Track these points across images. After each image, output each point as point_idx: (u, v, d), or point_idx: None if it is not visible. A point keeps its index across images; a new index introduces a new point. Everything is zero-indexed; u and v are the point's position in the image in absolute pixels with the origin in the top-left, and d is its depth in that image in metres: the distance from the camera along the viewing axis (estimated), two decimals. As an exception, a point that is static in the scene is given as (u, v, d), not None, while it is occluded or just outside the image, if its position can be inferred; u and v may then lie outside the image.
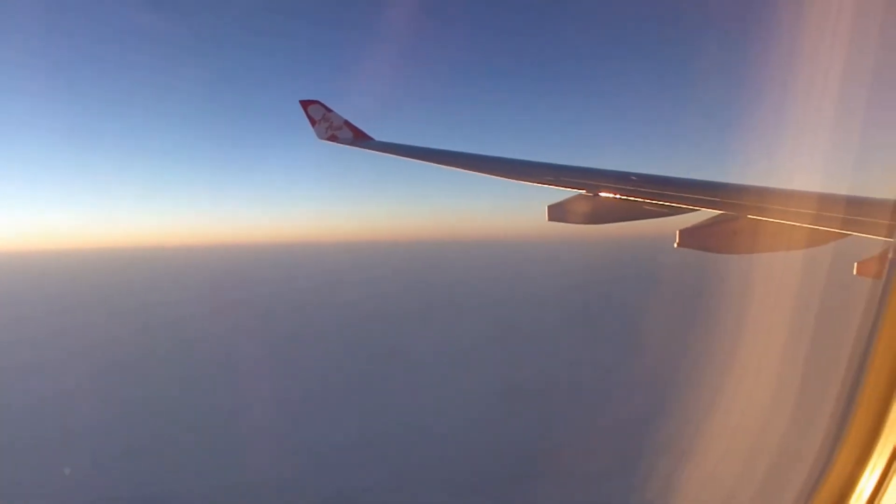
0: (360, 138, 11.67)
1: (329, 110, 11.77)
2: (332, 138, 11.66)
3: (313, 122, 11.70)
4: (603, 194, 6.91)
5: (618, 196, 6.76)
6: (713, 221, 5.88)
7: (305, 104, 11.81)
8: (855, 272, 4.67)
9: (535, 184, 7.73)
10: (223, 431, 46.22)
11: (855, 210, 5.30)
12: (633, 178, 7.86)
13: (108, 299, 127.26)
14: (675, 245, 5.66)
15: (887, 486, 2.00)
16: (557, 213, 6.94)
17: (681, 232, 5.71)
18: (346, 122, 11.80)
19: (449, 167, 9.41)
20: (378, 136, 11.93)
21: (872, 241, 4.64)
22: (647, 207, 6.46)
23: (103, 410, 51.57)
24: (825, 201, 5.70)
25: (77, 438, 45.33)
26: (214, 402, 52.38)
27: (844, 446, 2.12)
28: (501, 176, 8.45)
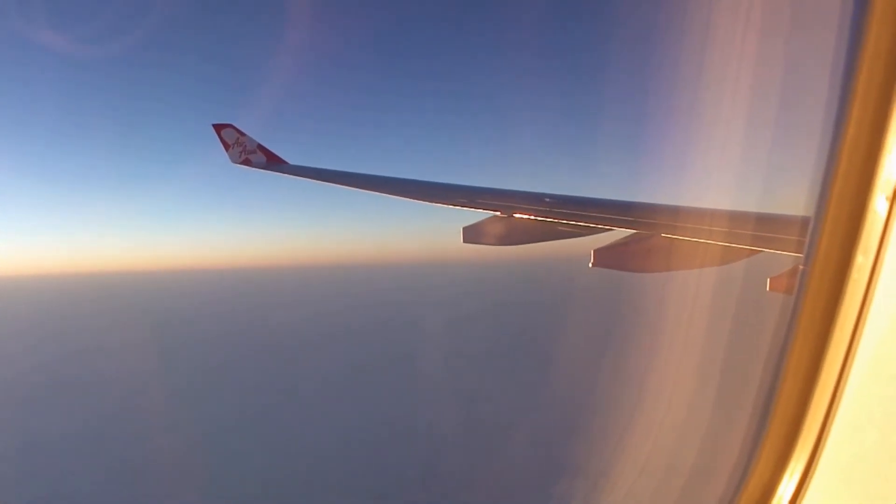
0: (273, 162, 11.98)
1: (242, 134, 12.00)
2: (246, 162, 11.90)
3: (227, 146, 11.96)
4: (517, 215, 6.95)
5: (532, 217, 6.82)
6: (627, 241, 5.99)
7: (219, 128, 12.02)
8: (768, 288, 4.98)
9: (449, 206, 7.76)
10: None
11: (765, 227, 5.41)
12: (547, 199, 7.98)
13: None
14: (591, 265, 5.73)
15: (804, 495, 2.12)
16: (472, 234, 6.95)
17: (595, 252, 5.80)
18: (260, 146, 12.07)
19: (364, 190, 9.40)
20: (295, 159, 12.30)
21: (783, 257, 4.85)
22: (562, 228, 6.54)
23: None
24: (736, 219, 5.82)
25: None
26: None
27: (762, 456, 2.21)
28: (417, 199, 8.52)
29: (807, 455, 2.15)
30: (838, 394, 2.02)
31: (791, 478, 2.21)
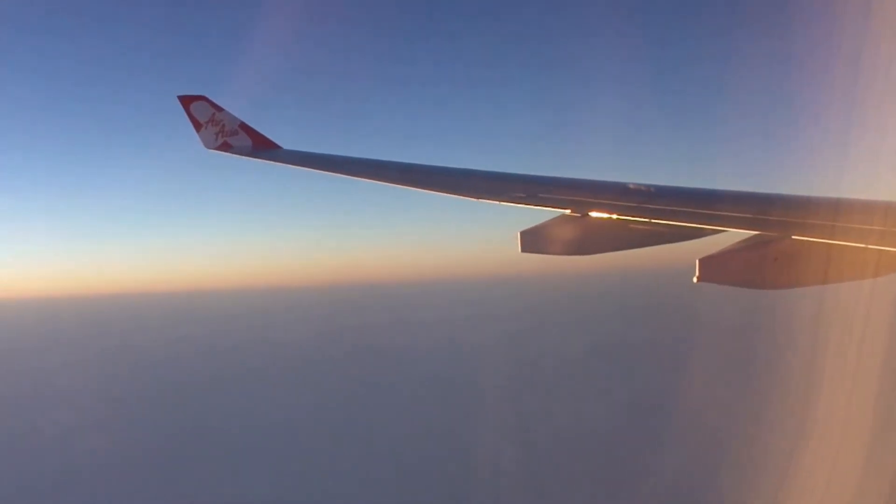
0: (262, 147, 11.09)
1: (219, 109, 11.15)
2: (225, 147, 11.04)
3: (198, 126, 11.06)
4: (594, 214, 6.63)
5: (614, 216, 6.51)
6: (744, 246, 5.70)
7: (186, 101, 11.10)
8: None
9: (501, 203, 7.31)
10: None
11: None
12: (634, 190, 7.53)
13: None
14: (695, 279, 5.47)
15: None
16: (533, 241, 6.65)
17: (701, 262, 5.47)
18: (244, 126, 11.19)
19: (383, 183, 8.96)
20: (287, 143, 11.20)
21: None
22: (655, 230, 6.27)
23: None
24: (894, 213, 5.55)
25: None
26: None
27: None
28: (454, 193, 7.97)
29: None
30: None
31: None
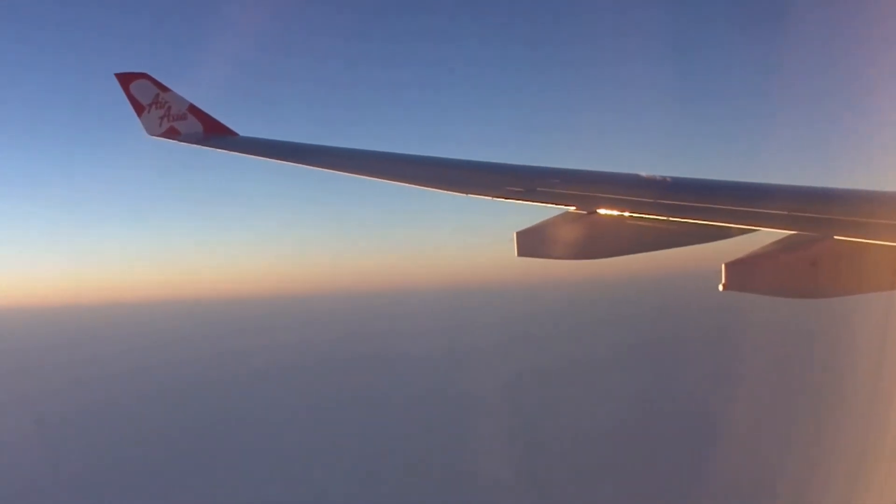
0: (216, 133, 10.56)
1: (164, 89, 10.61)
2: (171, 133, 10.51)
3: (140, 109, 10.50)
4: (601, 211, 6.39)
5: (626, 213, 6.31)
6: (778, 248, 5.51)
7: (125, 80, 10.52)
8: None
9: (493, 199, 7.01)
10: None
11: None
12: (649, 182, 7.18)
13: None
14: (721, 287, 5.27)
15: None
16: (531, 243, 6.44)
17: (728, 266, 5.28)
18: (194, 109, 10.68)
19: (353, 175, 8.53)
20: (245, 129, 10.68)
21: None
22: (673, 230, 6.06)
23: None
24: None
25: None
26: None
27: None
28: (439, 188, 7.63)
29: None
30: None
31: None
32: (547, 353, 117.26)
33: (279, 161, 9.39)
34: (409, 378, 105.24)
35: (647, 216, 6.22)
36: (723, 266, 5.28)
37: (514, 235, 6.40)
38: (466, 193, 7.32)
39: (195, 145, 10.42)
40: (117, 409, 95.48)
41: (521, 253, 6.39)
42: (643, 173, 7.49)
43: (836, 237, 5.28)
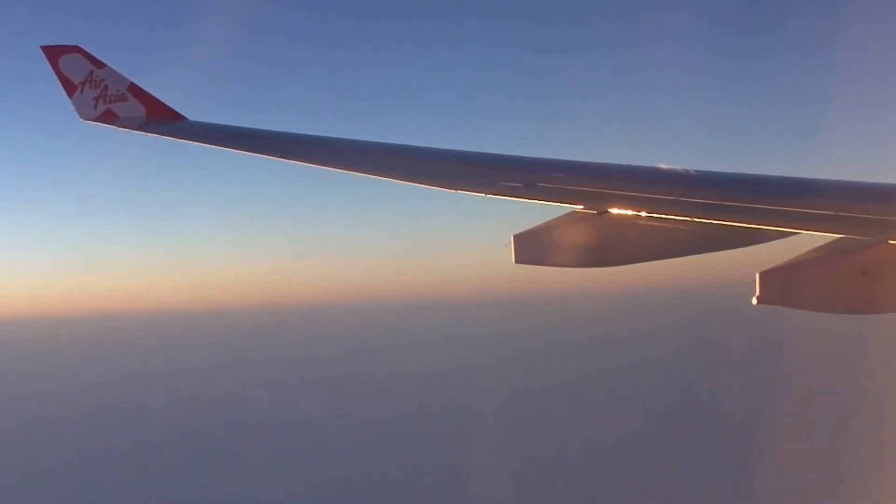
0: (159, 116, 10.04)
1: (100, 65, 10.03)
2: (108, 117, 9.95)
3: (71, 89, 9.95)
4: (614, 211, 6.14)
5: (642, 213, 6.06)
6: (821, 254, 5.33)
7: (53, 53, 9.95)
8: None
9: (487, 196, 6.68)
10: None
11: None
12: (670, 176, 6.82)
13: None
14: (754, 300, 5.09)
15: None
16: (531, 248, 6.19)
17: (763, 276, 5.07)
18: (135, 89, 10.10)
19: (323, 167, 8.17)
20: (195, 113, 10.08)
21: None
22: (698, 232, 5.84)
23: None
24: None
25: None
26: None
27: None
28: (422, 183, 7.34)
29: None
30: None
31: None
32: (547, 379, 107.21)
33: (235, 150, 8.72)
34: (388, 398, 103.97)
35: (667, 216, 5.91)
36: (757, 275, 5.07)
37: (511, 239, 6.12)
38: (455, 189, 6.93)
39: (136, 131, 9.73)
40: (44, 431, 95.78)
41: (520, 259, 6.12)
42: (663, 165, 7.10)
43: (890, 241, 5.04)
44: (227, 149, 9.00)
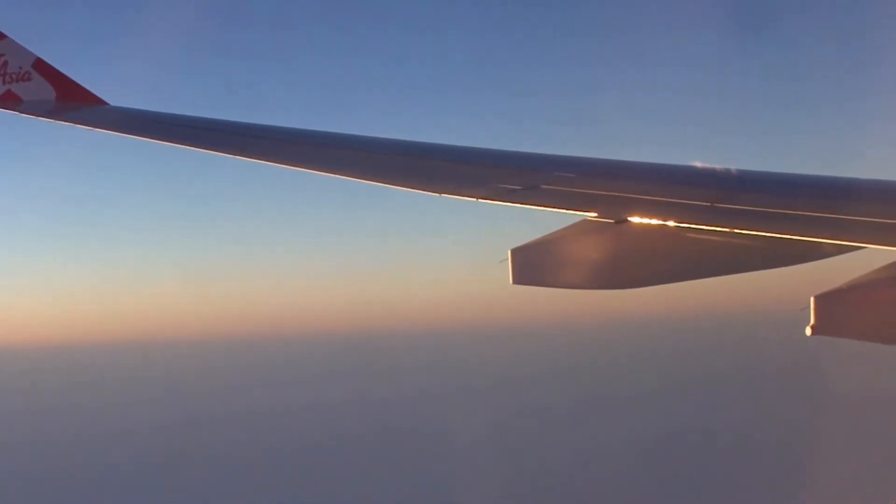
0: (74, 101, 9.59)
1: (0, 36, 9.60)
2: (9, 100, 9.56)
3: None
4: (635, 219, 5.76)
5: (671, 223, 5.71)
6: (891, 274, 4.97)
7: None
8: None
9: (479, 201, 6.25)
10: None
11: None
12: (705, 176, 6.38)
13: None
14: (808, 329, 4.72)
15: None
16: (533, 265, 5.81)
17: (820, 301, 4.69)
18: (42, 64, 9.67)
19: (275, 165, 7.70)
20: (116, 97, 9.47)
21: None
22: (739, 247, 5.53)
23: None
24: None
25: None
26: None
27: None
28: (403, 185, 6.92)
29: None
30: None
31: None
32: (558, 433, 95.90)
33: (165, 143, 7.95)
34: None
35: (700, 227, 5.61)
36: (812, 300, 4.72)
37: (509, 254, 5.73)
38: (440, 193, 6.45)
39: (43, 118, 9.06)
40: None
41: (518, 279, 5.73)
42: (697, 163, 6.72)
43: None
44: (156, 140, 8.36)
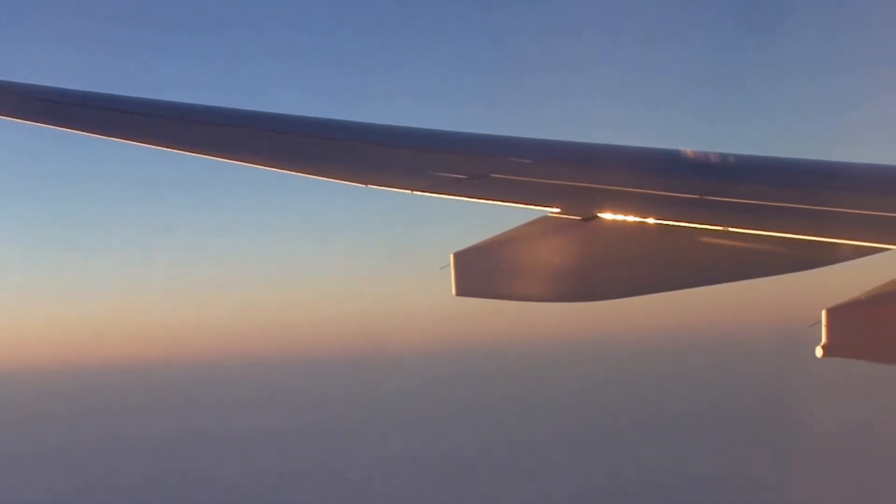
0: None
1: None
2: None
3: None
4: (607, 216, 5.47)
5: (652, 220, 5.46)
6: None
7: None
8: None
9: (413, 193, 5.80)
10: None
11: None
12: (692, 165, 6.09)
13: None
14: (819, 350, 4.45)
15: None
16: (479, 272, 5.41)
17: (832, 314, 4.45)
18: None
19: (152, 146, 7.23)
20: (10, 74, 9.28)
21: None
22: (738, 249, 5.32)
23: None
24: None
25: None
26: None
27: None
28: (320, 175, 6.45)
29: None
30: None
31: None
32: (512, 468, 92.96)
33: (26, 122, 7.59)
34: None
35: (687, 225, 5.35)
36: (823, 313, 4.49)
37: (451, 259, 5.28)
38: (366, 184, 5.98)
39: None
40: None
41: (463, 290, 5.29)
42: (686, 150, 6.21)
43: None
44: (32, 123, 7.86)
